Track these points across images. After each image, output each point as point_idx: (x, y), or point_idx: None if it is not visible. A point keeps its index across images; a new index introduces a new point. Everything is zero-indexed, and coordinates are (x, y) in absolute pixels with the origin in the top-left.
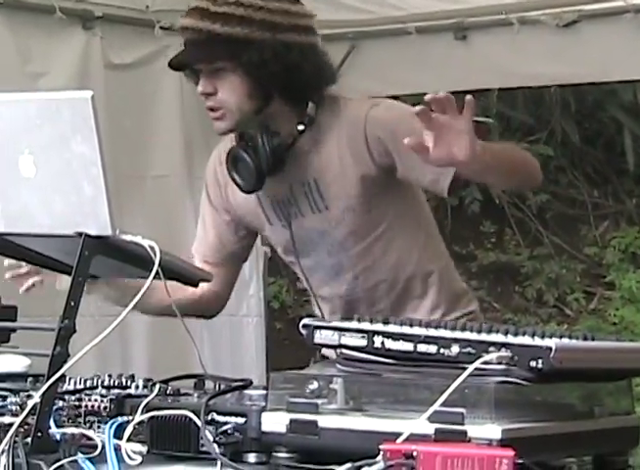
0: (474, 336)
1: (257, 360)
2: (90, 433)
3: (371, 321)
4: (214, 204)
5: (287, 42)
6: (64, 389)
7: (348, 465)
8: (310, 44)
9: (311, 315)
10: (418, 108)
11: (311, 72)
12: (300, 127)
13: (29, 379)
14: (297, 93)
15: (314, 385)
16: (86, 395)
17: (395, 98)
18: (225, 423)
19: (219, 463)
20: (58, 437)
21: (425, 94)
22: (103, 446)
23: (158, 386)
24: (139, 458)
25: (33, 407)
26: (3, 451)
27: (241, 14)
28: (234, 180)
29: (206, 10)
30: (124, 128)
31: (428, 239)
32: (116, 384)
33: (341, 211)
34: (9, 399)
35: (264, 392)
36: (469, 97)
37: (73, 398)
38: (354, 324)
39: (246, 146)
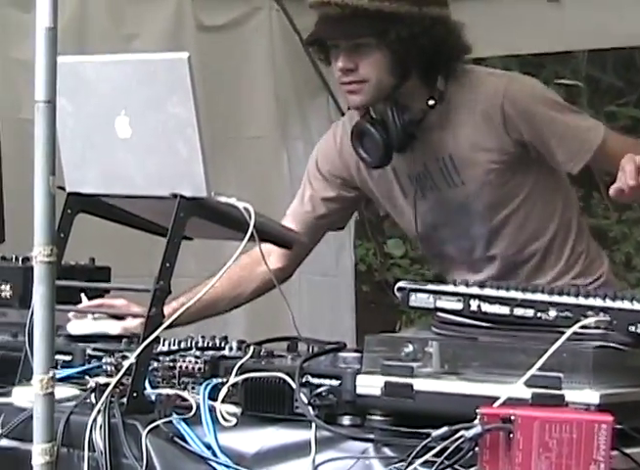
0: (572, 300)
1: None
2: (185, 394)
3: (467, 285)
4: (328, 177)
5: (431, 16)
6: (158, 350)
7: (445, 429)
8: (448, 17)
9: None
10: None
11: (452, 47)
12: (431, 102)
13: (124, 340)
14: (435, 68)
15: (409, 348)
16: (180, 356)
17: (482, 60)
18: (320, 385)
19: (314, 425)
20: (153, 397)
21: (517, 56)
22: (197, 408)
23: (251, 348)
24: (233, 420)
25: (129, 368)
26: (99, 411)
27: None
28: (359, 154)
29: None
30: (217, 90)
31: (565, 205)
32: (210, 345)
33: (478, 186)
34: (104, 360)
35: (358, 354)
36: None
37: (168, 359)
38: (450, 287)
39: (373, 120)
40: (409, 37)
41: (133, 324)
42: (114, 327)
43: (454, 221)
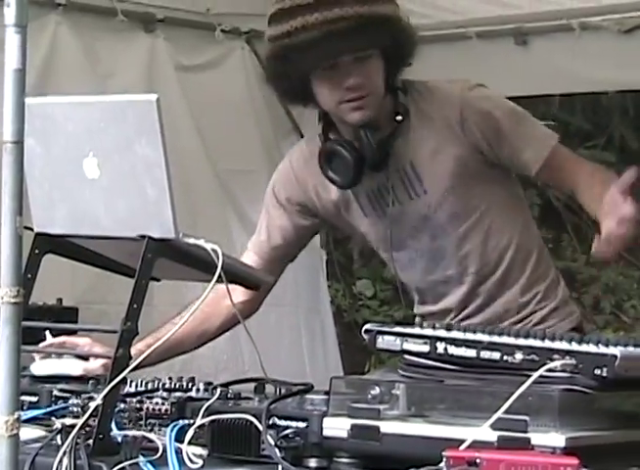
0: (537, 343)
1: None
2: (151, 435)
3: (434, 327)
4: (285, 205)
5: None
6: (125, 391)
7: None
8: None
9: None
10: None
11: (410, 53)
12: (399, 118)
13: (91, 381)
14: (396, 77)
15: (376, 390)
16: (147, 397)
17: None
18: (286, 427)
19: (280, 467)
20: (119, 439)
21: None
22: (164, 449)
23: (218, 389)
24: (200, 462)
25: (95, 409)
26: (65, 453)
27: None
28: (328, 177)
29: None
30: (200, 128)
31: (525, 222)
32: (177, 387)
33: (441, 194)
34: (71, 401)
35: (325, 396)
36: None
37: (135, 400)
38: (417, 330)
39: (343, 142)
40: (405, 43)
41: (95, 366)
42: (75, 368)
43: (416, 237)
